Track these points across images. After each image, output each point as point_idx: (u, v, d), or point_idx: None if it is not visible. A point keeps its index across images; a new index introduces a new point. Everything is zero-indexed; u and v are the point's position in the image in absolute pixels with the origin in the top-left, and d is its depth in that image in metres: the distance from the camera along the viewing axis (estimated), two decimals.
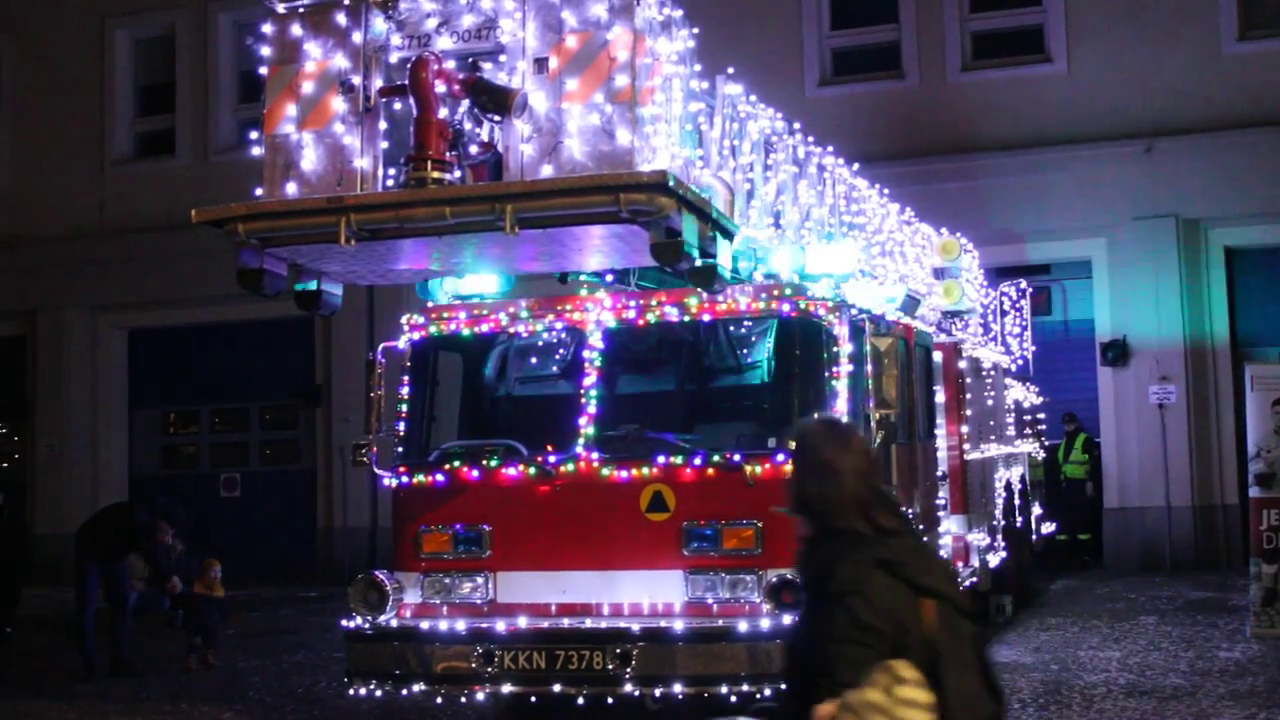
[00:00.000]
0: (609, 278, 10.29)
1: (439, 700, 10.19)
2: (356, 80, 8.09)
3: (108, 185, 25.04)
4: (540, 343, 10.00)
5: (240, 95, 24.58)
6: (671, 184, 7.43)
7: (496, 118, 7.95)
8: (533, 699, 9.21)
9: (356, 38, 8.13)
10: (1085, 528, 20.08)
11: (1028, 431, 17.07)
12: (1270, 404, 13.11)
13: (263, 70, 8.40)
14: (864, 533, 3.84)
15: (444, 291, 10.12)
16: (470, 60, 8.15)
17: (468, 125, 8.22)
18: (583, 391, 9.23)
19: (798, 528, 4.01)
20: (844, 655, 3.72)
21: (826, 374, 9.09)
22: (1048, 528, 17.65)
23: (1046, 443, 18.83)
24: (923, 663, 3.73)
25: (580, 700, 9.10)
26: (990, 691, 3.88)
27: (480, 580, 9.21)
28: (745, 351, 9.68)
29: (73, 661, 13.77)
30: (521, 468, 9.17)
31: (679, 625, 8.67)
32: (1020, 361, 17.36)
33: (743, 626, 8.55)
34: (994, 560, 13.77)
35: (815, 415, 4.06)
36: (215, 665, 13.64)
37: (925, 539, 3.98)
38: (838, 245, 9.68)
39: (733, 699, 8.77)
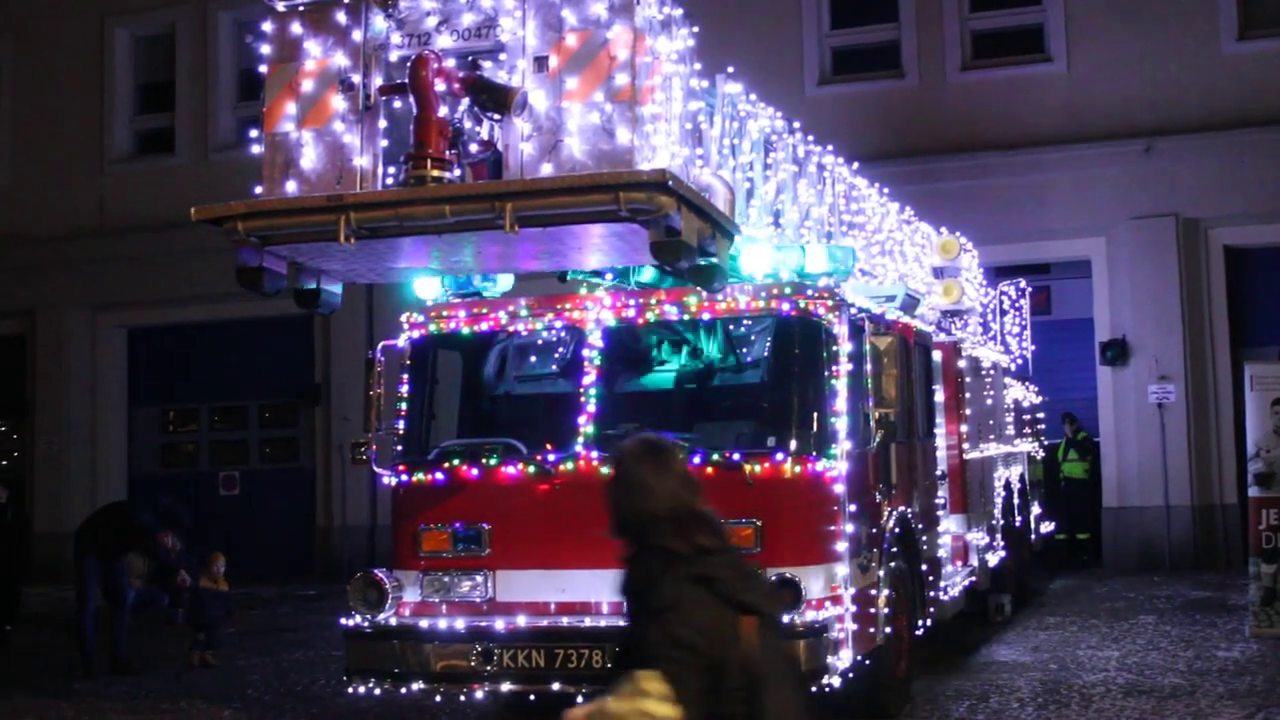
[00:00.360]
0: (609, 276, 10.30)
1: (438, 698, 10.19)
2: (356, 78, 8.09)
3: (107, 183, 25.04)
4: (540, 341, 10.01)
5: (240, 93, 24.58)
6: (671, 183, 7.43)
7: (496, 116, 7.94)
8: (532, 697, 9.21)
9: (356, 36, 8.13)
10: (1084, 527, 20.08)
11: (1027, 431, 17.07)
12: (1270, 403, 13.11)
13: (262, 68, 8.39)
14: (682, 551, 3.86)
15: (446, 290, 10.09)
16: (470, 58, 8.14)
17: (467, 124, 8.21)
18: (582, 390, 9.24)
19: (619, 549, 4.05)
20: (659, 670, 3.77)
21: (826, 373, 9.10)
22: (1047, 527, 17.66)
23: (1046, 442, 18.84)
24: (741, 679, 3.75)
25: (579, 699, 9.09)
26: (804, 709, 3.94)
27: (479, 579, 9.21)
28: (745, 350, 9.69)
29: (71, 659, 13.77)
30: (521, 466, 9.18)
31: None
32: (1019, 361, 17.36)
33: None
34: (993, 559, 13.78)
35: (637, 436, 4.08)
36: (215, 665, 13.64)
37: (744, 555, 4.01)
38: (836, 244, 9.68)
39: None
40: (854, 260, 9.76)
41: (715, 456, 8.85)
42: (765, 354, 9.61)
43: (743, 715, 3.77)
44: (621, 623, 8.68)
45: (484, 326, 9.76)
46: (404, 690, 9.27)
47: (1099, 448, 20.13)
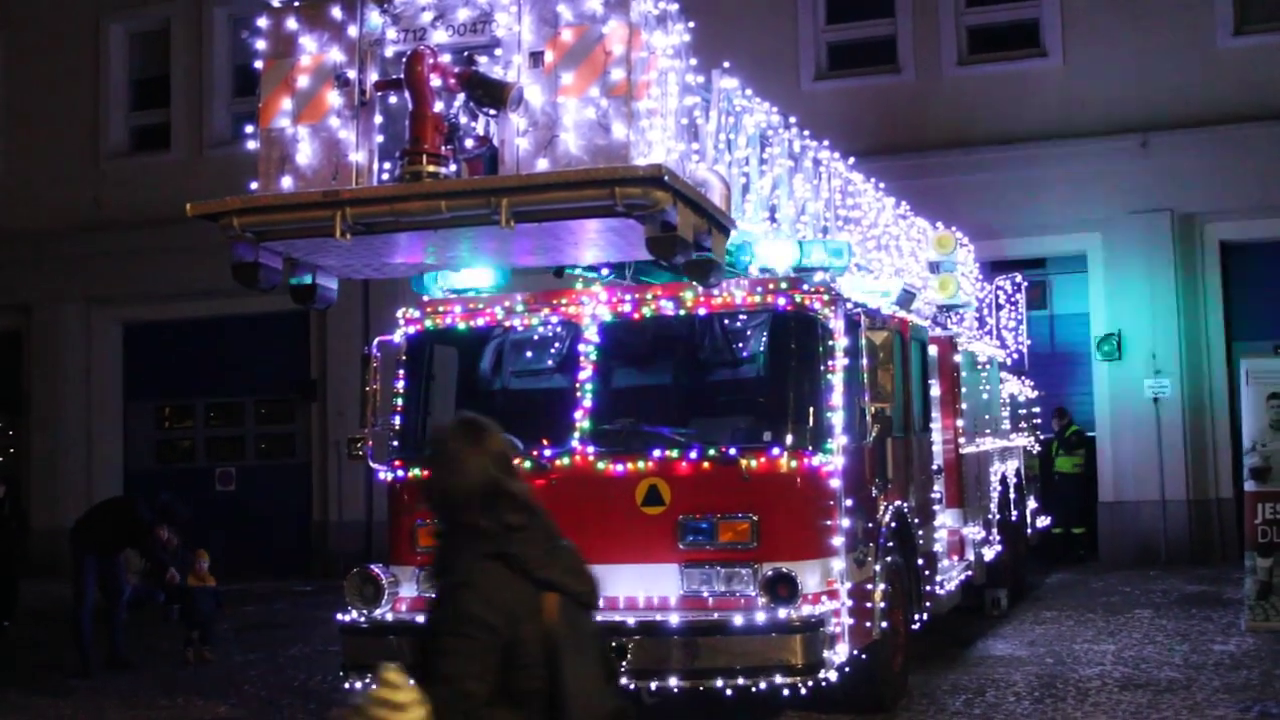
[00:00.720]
0: (605, 271, 10.30)
1: None
2: (352, 74, 8.09)
3: (102, 179, 24.99)
4: (536, 337, 10.01)
5: (235, 89, 24.54)
6: (667, 178, 7.43)
7: (492, 111, 7.95)
8: None
9: (352, 31, 8.12)
10: (1078, 522, 20.10)
11: (1023, 425, 17.08)
12: (1265, 398, 13.12)
13: (258, 64, 8.39)
14: (487, 528, 3.89)
15: (438, 286, 10.13)
16: (466, 54, 8.14)
17: (463, 119, 8.22)
18: (578, 385, 9.24)
19: (433, 524, 4.08)
20: (446, 647, 3.79)
21: (822, 368, 9.11)
22: (1043, 521, 17.67)
23: (1042, 436, 18.85)
24: (541, 656, 3.78)
25: None
26: (611, 688, 3.94)
27: None
28: (741, 345, 9.69)
29: (68, 655, 13.76)
30: (516, 461, 9.16)
31: (674, 619, 8.68)
32: (1015, 355, 17.37)
33: (738, 620, 8.56)
34: (989, 554, 13.79)
35: (456, 415, 4.14)
36: (211, 660, 13.64)
37: (559, 537, 4.04)
38: (832, 239, 9.69)
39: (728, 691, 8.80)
40: (850, 255, 9.76)
41: (711, 451, 8.86)
42: (761, 349, 9.61)
43: (541, 691, 3.79)
44: (617, 617, 8.74)
45: (480, 322, 9.78)
46: None
47: (1093, 442, 20.13)
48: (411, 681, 3.66)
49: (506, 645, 3.76)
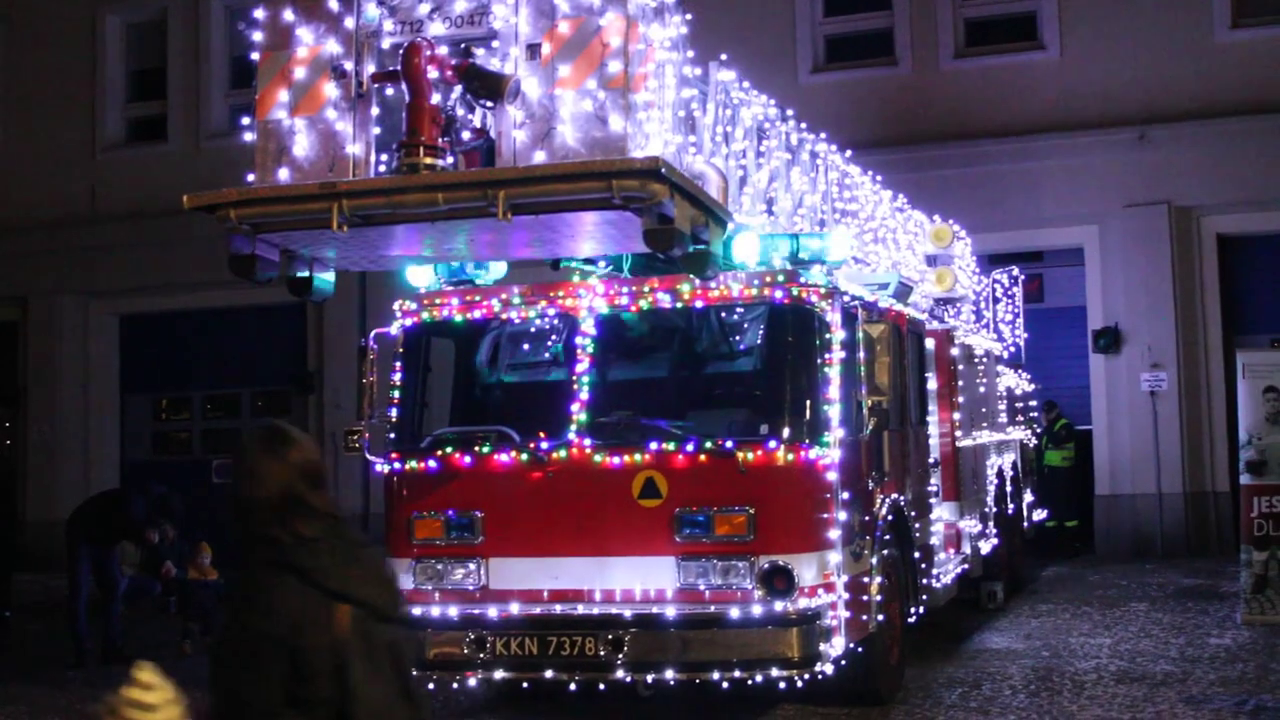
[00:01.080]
0: (602, 264, 10.29)
1: (431, 686, 10.18)
2: (349, 66, 8.08)
3: (99, 171, 24.96)
4: (533, 329, 10.00)
5: (232, 81, 24.51)
6: (664, 170, 7.43)
7: (489, 104, 7.94)
8: (525, 685, 9.22)
9: (349, 23, 8.12)
10: (1070, 515, 20.10)
11: (1020, 419, 17.08)
12: (1261, 391, 13.13)
13: (255, 56, 8.38)
14: (279, 538, 3.90)
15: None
16: (463, 46, 8.13)
17: (460, 111, 8.21)
18: (575, 378, 9.23)
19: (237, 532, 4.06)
20: (226, 655, 3.83)
21: (819, 361, 9.10)
22: (1039, 515, 17.69)
23: (1039, 430, 18.86)
24: (330, 666, 3.78)
25: (572, 686, 9.12)
26: (406, 699, 3.94)
27: (472, 566, 9.21)
28: (738, 338, 9.69)
29: (64, 648, 13.76)
30: (514, 454, 9.17)
31: (671, 611, 8.68)
32: (1012, 348, 17.37)
33: (734, 613, 8.57)
34: (985, 547, 13.79)
35: (263, 423, 4.14)
36: None
37: (364, 547, 4.05)
38: (829, 232, 9.68)
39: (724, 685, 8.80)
40: (847, 248, 9.76)
41: (708, 444, 8.86)
42: (758, 342, 9.60)
43: (329, 701, 3.80)
44: (614, 610, 8.75)
45: (477, 314, 9.76)
46: None
47: (1083, 435, 20.11)
48: (165, 682, 3.68)
49: (291, 655, 3.77)
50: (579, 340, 9.34)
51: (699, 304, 9.29)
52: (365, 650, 3.85)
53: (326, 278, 9.02)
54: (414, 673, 4.07)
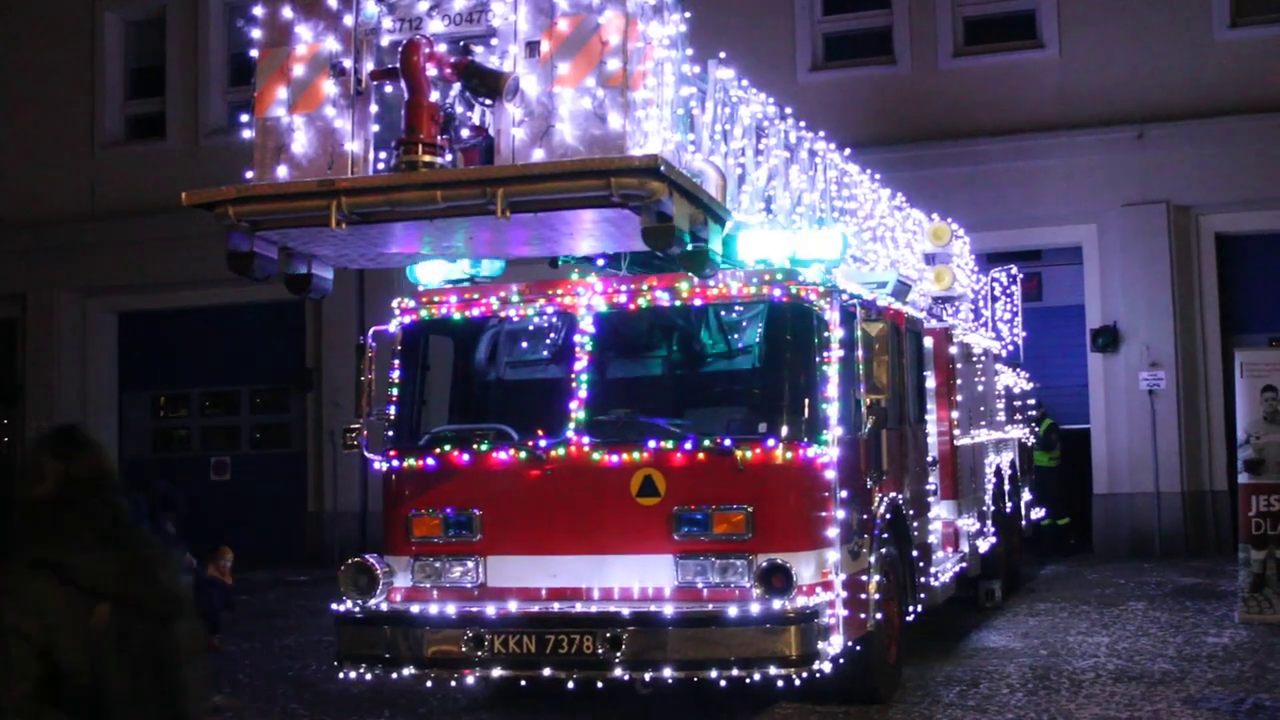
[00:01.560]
0: (600, 262, 10.29)
1: (429, 684, 10.20)
2: (347, 63, 8.07)
3: (98, 168, 24.97)
4: (531, 327, 10.00)
5: (231, 78, 24.52)
6: (663, 168, 7.42)
7: (488, 101, 7.93)
8: (523, 683, 9.21)
9: (348, 20, 8.11)
10: (1062, 513, 20.10)
11: (1018, 417, 17.09)
12: (1260, 390, 13.13)
13: (253, 53, 8.37)
14: (39, 536, 3.91)
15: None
16: (462, 43, 8.12)
17: (459, 109, 8.20)
18: (573, 376, 9.22)
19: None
20: None
21: (817, 359, 9.10)
22: (1037, 513, 17.69)
23: (1037, 428, 18.85)
24: (85, 663, 3.82)
25: (570, 684, 9.12)
26: (165, 696, 3.94)
27: (470, 564, 9.21)
28: (736, 336, 9.69)
29: None
30: (512, 452, 9.17)
31: (669, 610, 8.67)
32: (1011, 347, 17.37)
33: (732, 611, 8.56)
34: (984, 545, 13.80)
35: (55, 424, 4.17)
36: (220, 649, 13.50)
37: (142, 546, 4.05)
38: (828, 230, 9.68)
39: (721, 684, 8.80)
40: (846, 246, 9.75)
41: (706, 442, 8.85)
42: (757, 340, 9.60)
43: (85, 698, 3.83)
44: (611, 608, 8.75)
45: (475, 312, 9.75)
46: (395, 675, 9.27)
47: (1076, 435, 20.10)
48: None
49: (45, 652, 3.80)
50: (577, 338, 9.34)
51: (697, 302, 9.28)
52: (123, 648, 3.86)
53: (325, 275, 9.02)
54: (192, 667, 4.06)
